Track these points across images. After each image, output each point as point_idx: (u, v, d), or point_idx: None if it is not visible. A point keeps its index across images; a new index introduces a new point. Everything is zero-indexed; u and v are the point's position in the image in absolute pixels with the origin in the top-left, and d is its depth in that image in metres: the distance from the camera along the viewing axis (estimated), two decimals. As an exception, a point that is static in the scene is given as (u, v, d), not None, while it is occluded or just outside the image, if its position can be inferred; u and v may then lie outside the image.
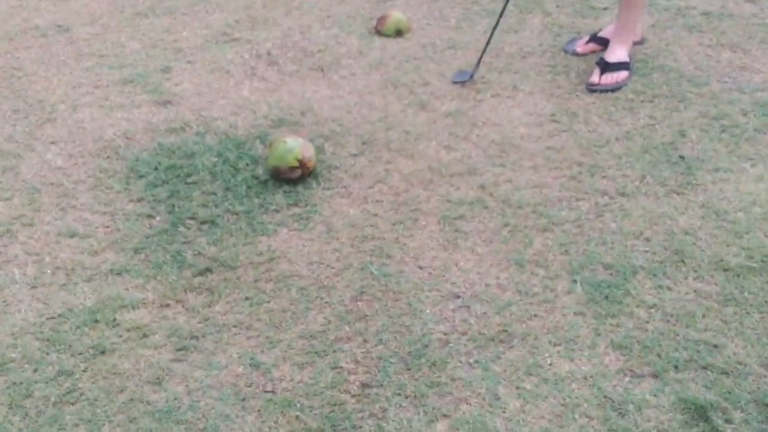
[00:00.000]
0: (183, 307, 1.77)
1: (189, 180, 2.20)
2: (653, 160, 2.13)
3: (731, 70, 2.51)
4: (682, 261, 1.79)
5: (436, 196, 2.09)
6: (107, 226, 2.03)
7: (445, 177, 2.15)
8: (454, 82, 2.56)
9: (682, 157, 2.13)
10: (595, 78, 2.48)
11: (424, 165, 2.21)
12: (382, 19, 2.91)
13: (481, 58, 2.56)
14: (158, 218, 2.05)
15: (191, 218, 2.05)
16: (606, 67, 2.48)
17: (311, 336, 1.67)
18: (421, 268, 1.85)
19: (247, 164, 2.24)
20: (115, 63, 2.83)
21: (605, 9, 3.00)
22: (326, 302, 1.77)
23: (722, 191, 1.99)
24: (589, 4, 3.06)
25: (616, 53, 2.49)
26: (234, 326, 1.71)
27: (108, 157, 2.30)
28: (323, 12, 3.12)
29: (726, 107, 2.32)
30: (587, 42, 2.69)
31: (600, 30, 2.72)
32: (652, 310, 1.67)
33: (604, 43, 2.63)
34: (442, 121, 2.40)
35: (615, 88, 2.45)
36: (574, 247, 1.87)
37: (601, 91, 2.45)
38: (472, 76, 2.55)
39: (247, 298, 1.78)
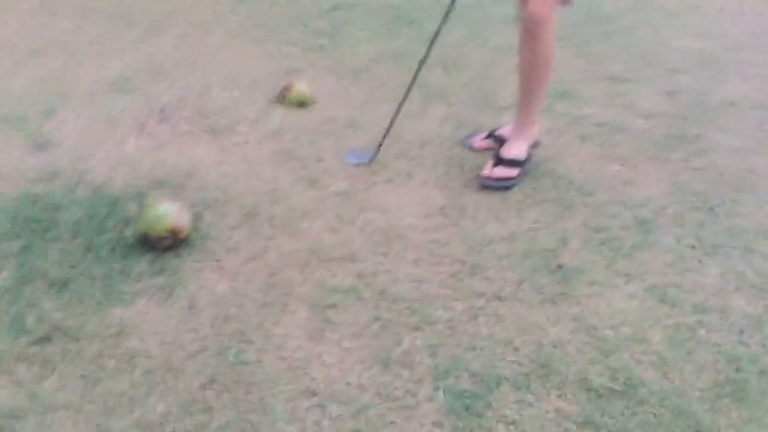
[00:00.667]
0: (10, 379, 1.59)
1: (47, 235, 2.04)
2: (533, 266, 2.12)
3: (617, 183, 2.57)
4: (548, 376, 1.75)
5: (311, 280, 2.00)
6: (-58, 278, 1.84)
7: (324, 261, 2.08)
8: (348, 163, 2.52)
9: (560, 266, 2.13)
10: (486, 170, 2.50)
11: (304, 245, 2.13)
12: (285, 89, 2.86)
13: (381, 143, 2.53)
14: (3, 274, 1.88)
15: (41, 278, 1.89)
16: (499, 161, 2.50)
17: (146, 426, 1.52)
18: (282, 358, 1.74)
19: (116, 224, 2.10)
20: (-7, 98, 2.66)
21: (506, 108, 3.05)
22: (171, 388, 1.63)
23: (595, 306, 1.99)
24: (491, 100, 3.11)
25: (512, 150, 2.52)
26: (63, 407, 1.54)
27: (-39, 200, 2.12)
28: (228, 74, 3.05)
29: (608, 220, 2.35)
30: (485, 138, 2.72)
31: (499, 128, 2.76)
32: (512, 427, 1.62)
33: (501, 141, 2.66)
34: (330, 201, 2.33)
35: (505, 186, 2.46)
36: (443, 349, 1.81)
37: (491, 187, 2.45)
38: (371, 160, 2.52)
39: (83, 376, 1.62)
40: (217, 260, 2.04)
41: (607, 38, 3.78)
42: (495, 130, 2.74)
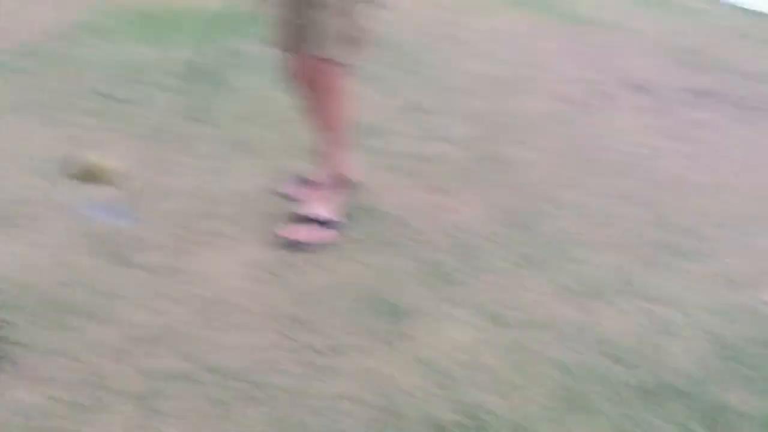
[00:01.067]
0: None
1: None
2: (364, 311, 2.07)
3: (436, 211, 2.61)
4: (396, 422, 1.70)
5: (129, 367, 1.82)
6: None
7: (144, 345, 1.90)
8: (92, 218, 2.25)
9: (391, 305, 2.10)
10: (287, 232, 2.34)
11: (117, 331, 1.94)
12: (76, 162, 2.63)
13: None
14: None
15: None
16: (302, 220, 2.37)
17: None
18: (103, 466, 1.55)
19: None
20: None
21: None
22: None
23: (431, 340, 1.98)
24: (301, 144, 3.05)
25: (315, 208, 2.41)
26: None
27: None
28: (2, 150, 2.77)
29: (431, 251, 2.37)
30: (298, 184, 2.64)
31: (310, 173, 2.68)
32: (366, 487, 1.54)
33: (317, 185, 2.59)
34: (142, 277, 2.16)
35: (311, 246, 2.32)
36: (282, 418, 1.70)
37: (296, 248, 2.31)
38: (131, 221, 2.18)
39: None
40: (15, 362, 1.80)
41: (402, 70, 3.88)
42: (306, 176, 2.65)
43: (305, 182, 2.63)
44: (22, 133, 2.92)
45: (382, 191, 2.72)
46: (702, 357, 1.97)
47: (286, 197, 2.60)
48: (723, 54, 4.43)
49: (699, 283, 2.28)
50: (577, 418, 1.73)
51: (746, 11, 5.34)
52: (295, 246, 2.32)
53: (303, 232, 2.35)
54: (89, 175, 2.62)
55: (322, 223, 2.39)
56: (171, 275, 2.17)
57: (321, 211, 2.41)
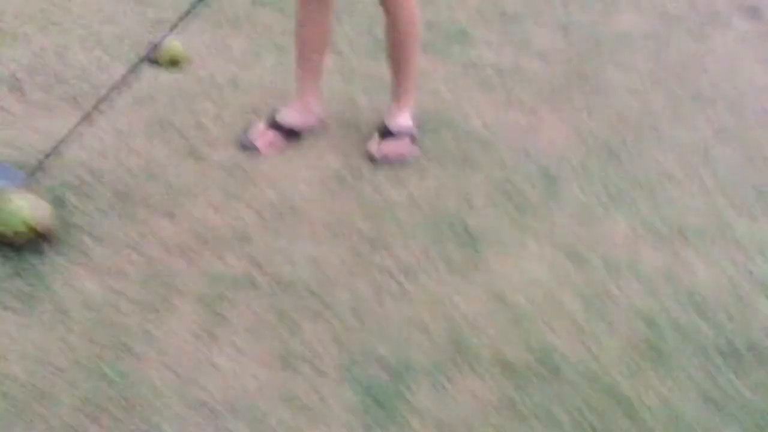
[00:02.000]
0: None
1: None
2: (438, 233, 1.98)
3: (518, 132, 2.45)
4: (461, 356, 1.64)
5: (197, 269, 1.79)
6: None
7: (210, 245, 1.86)
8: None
9: (466, 230, 2.00)
10: (373, 146, 2.24)
11: (187, 228, 1.91)
12: (155, 46, 2.55)
13: (42, 162, 1.92)
14: None
15: None
16: (387, 134, 2.26)
17: (9, 470, 1.31)
18: (167, 367, 1.54)
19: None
20: None
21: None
22: (39, 416, 1.41)
23: (505, 272, 1.88)
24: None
25: (398, 120, 2.30)
26: None
27: None
28: (86, 31, 2.70)
29: (511, 174, 2.24)
30: (267, 129, 2.24)
31: (278, 113, 2.28)
32: (427, 419, 1.50)
33: (289, 133, 2.26)
34: (214, 174, 2.10)
35: (399, 161, 2.23)
36: (348, 338, 1.65)
37: (386, 162, 2.21)
38: (20, 182, 1.85)
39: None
40: (85, 253, 1.79)
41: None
42: (275, 118, 2.26)
43: (276, 126, 2.27)
44: (103, 11, 2.84)
45: (464, 103, 2.57)
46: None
47: (253, 147, 2.21)
48: None
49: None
50: (657, 373, 1.63)
51: None
52: (383, 160, 2.22)
53: (391, 146, 2.24)
54: (172, 61, 2.55)
55: (409, 136, 2.28)
56: (243, 176, 2.10)
57: (408, 124, 2.30)
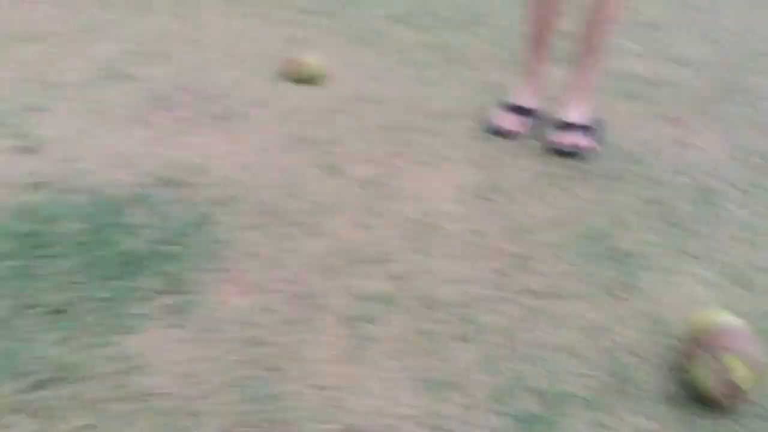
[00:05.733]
0: (8, 435, 1.38)
1: (45, 252, 1.81)
2: (589, 254, 1.88)
3: (670, 146, 2.31)
4: (622, 389, 1.52)
5: (341, 288, 1.77)
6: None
7: (353, 263, 1.84)
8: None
9: (618, 250, 1.89)
10: (554, 137, 2.24)
11: (330, 245, 1.90)
12: (293, 63, 2.59)
13: None
14: (-4, 305, 1.66)
15: (38, 305, 1.66)
16: (566, 127, 2.23)
17: (166, 488, 1.32)
18: (315, 387, 1.52)
19: (119, 234, 1.87)
20: (-27, 96, 2.41)
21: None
22: (192, 432, 1.42)
23: (667, 298, 1.75)
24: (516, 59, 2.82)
25: (574, 113, 2.24)
26: (69, 468, 1.34)
27: (-58, 219, 1.89)
28: (227, 49, 2.77)
29: (666, 192, 2.10)
30: (507, 112, 2.36)
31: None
32: (588, 456, 1.40)
33: (527, 113, 2.34)
34: (355, 191, 2.09)
35: (573, 152, 2.20)
36: (499, 364, 1.58)
37: (562, 152, 2.21)
38: None
39: (88, 426, 1.41)
40: (232, 269, 1.80)
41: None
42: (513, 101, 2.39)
43: (517, 109, 2.39)
44: (240, 30, 2.92)
45: (609, 116, 2.44)
46: None
47: (499, 132, 2.36)
48: None
49: None
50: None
51: None
52: (570, 153, 2.20)
53: (571, 138, 2.22)
54: (307, 77, 2.58)
55: (586, 129, 2.23)
56: (382, 192, 2.08)
57: (584, 117, 2.26)
